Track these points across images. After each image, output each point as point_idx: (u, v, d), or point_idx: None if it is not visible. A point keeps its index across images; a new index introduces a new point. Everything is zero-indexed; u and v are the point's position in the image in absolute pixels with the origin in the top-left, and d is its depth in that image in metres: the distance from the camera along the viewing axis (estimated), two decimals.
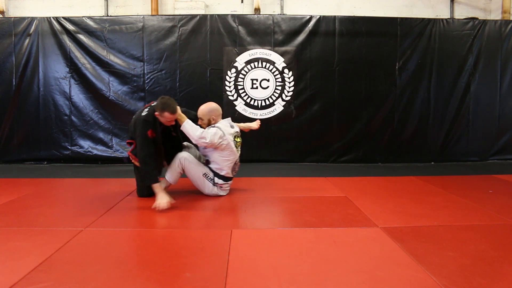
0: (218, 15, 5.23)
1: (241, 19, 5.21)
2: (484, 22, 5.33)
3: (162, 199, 2.95)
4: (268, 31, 5.20)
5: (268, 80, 5.25)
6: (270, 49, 5.21)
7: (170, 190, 3.30)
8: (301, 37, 5.20)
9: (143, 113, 3.15)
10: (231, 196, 3.42)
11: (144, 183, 3.14)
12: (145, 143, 3.06)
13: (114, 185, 3.94)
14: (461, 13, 6.17)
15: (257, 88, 5.25)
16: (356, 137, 5.33)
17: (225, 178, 3.39)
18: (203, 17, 5.21)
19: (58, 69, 5.17)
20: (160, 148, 3.26)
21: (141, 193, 3.38)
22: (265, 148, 5.32)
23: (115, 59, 5.15)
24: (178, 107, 3.18)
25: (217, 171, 3.35)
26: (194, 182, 3.42)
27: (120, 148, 5.25)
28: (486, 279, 1.80)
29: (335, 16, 5.23)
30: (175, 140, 3.46)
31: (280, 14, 5.74)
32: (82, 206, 3.11)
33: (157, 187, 3.03)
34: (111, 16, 5.75)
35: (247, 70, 5.23)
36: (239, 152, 3.45)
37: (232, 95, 5.24)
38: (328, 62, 5.23)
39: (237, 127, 3.53)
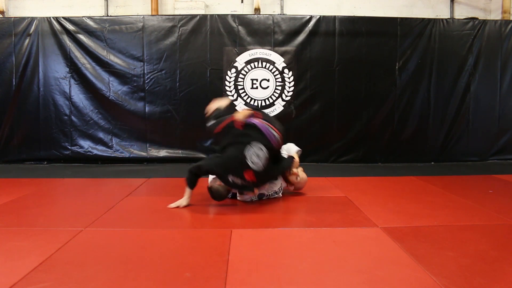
0: (218, 15, 5.23)
1: (241, 19, 5.22)
2: (484, 22, 5.33)
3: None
4: (268, 31, 5.20)
5: (268, 80, 5.25)
6: (270, 49, 5.21)
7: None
8: (301, 37, 5.20)
9: (255, 158, 2.85)
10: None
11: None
12: (221, 169, 2.91)
13: (114, 185, 3.94)
14: (461, 13, 6.17)
15: (257, 88, 5.25)
16: (356, 137, 5.32)
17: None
18: (203, 17, 5.21)
19: (58, 69, 5.17)
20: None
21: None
22: None
23: (115, 59, 5.15)
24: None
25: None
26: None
27: (120, 148, 5.25)
28: (486, 279, 1.80)
29: (335, 16, 5.23)
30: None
31: (280, 14, 5.75)
32: (82, 206, 3.11)
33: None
34: (111, 16, 5.75)
35: (247, 70, 5.23)
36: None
37: (232, 95, 5.24)
38: (328, 62, 5.23)
39: None
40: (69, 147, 5.23)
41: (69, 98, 5.20)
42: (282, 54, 5.22)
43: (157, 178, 4.29)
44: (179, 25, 5.16)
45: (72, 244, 2.26)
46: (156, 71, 5.18)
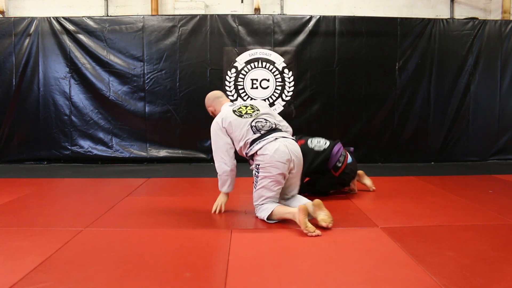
0: (218, 15, 5.23)
1: (241, 19, 5.22)
2: (484, 22, 5.33)
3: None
4: (268, 31, 5.20)
5: (268, 80, 5.25)
6: (270, 49, 5.21)
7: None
8: (301, 37, 5.20)
9: None
10: (231, 196, 3.41)
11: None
12: None
13: (114, 185, 3.94)
14: (461, 13, 6.17)
15: (257, 88, 5.25)
16: (356, 137, 5.32)
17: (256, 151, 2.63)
18: (203, 17, 5.21)
19: (58, 69, 5.17)
20: None
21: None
22: None
23: (115, 59, 5.15)
24: None
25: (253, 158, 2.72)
26: None
27: (120, 148, 5.25)
28: (486, 279, 1.80)
29: (335, 16, 5.23)
30: None
31: (280, 14, 5.75)
32: (82, 206, 3.11)
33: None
34: (111, 16, 5.75)
35: (247, 70, 5.23)
36: (251, 117, 2.70)
37: (232, 95, 5.24)
38: (328, 62, 5.23)
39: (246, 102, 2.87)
40: (69, 147, 5.23)
41: (69, 98, 5.20)
42: (282, 54, 5.22)
43: (157, 178, 4.29)
44: (179, 25, 5.16)
45: (72, 244, 2.26)
46: (156, 71, 5.18)
